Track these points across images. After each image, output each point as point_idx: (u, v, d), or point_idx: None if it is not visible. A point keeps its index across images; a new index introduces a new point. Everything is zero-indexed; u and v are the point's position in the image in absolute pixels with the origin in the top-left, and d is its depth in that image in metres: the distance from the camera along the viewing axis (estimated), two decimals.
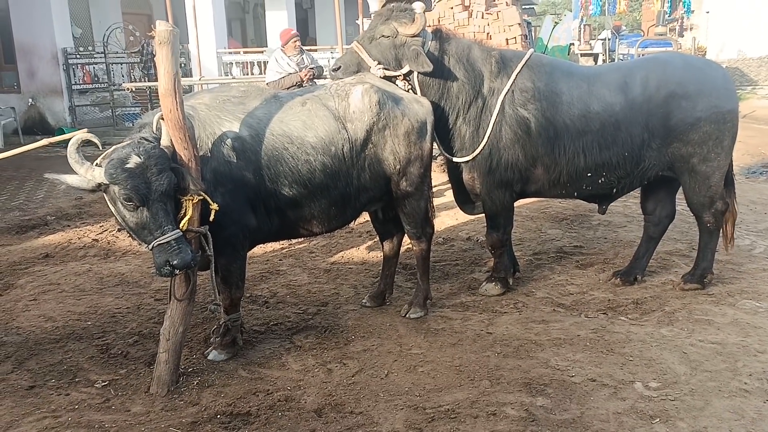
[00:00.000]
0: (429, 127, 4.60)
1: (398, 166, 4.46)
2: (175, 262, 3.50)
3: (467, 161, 4.88)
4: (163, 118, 3.63)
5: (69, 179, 3.54)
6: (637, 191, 5.37)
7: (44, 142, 4.35)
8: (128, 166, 3.46)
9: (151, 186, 3.48)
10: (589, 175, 4.91)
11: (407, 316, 4.76)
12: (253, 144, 4.02)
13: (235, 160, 3.95)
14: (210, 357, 4.21)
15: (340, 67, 4.84)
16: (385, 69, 4.72)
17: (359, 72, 4.75)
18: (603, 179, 4.95)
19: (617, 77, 4.88)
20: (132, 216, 3.55)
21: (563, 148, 4.81)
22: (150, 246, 3.55)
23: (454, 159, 4.93)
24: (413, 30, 4.67)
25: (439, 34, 4.87)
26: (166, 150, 3.62)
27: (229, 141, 3.95)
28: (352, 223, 4.80)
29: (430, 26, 4.94)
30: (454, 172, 5.08)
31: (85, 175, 3.52)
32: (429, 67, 4.63)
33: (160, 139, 3.68)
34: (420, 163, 4.54)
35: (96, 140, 3.71)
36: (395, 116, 4.41)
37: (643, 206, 5.41)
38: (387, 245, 5.05)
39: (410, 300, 4.91)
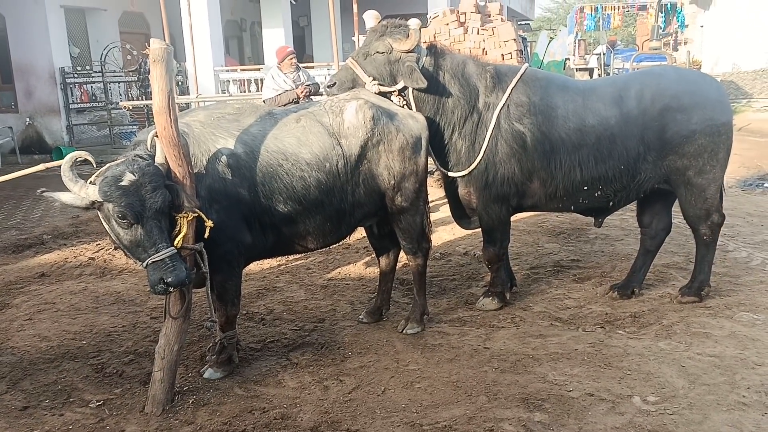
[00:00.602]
0: (424, 143, 4.60)
1: (393, 182, 4.46)
2: (169, 279, 3.49)
3: (463, 176, 4.88)
4: (157, 136, 3.64)
5: (63, 197, 3.54)
6: (633, 204, 5.37)
7: (41, 167, 4.34)
8: (122, 183, 3.46)
9: (146, 203, 3.47)
10: (585, 188, 4.91)
11: (404, 331, 4.74)
12: (248, 161, 4.02)
13: (230, 177, 3.95)
14: (206, 375, 4.18)
15: (335, 83, 4.84)
16: (380, 85, 4.73)
17: (354, 88, 4.76)
18: (599, 192, 4.95)
19: (612, 91, 4.90)
20: (126, 233, 3.54)
21: (559, 162, 4.82)
22: (144, 264, 3.54)
23: (450, 174, 4.93)
24: (407, 46, 4.68)
25: (433, 50, 4.89)
26: (160, 167, 3.62)
27: (224, 158, 3.95)
28: (348, 238, 4.79)
29: (425, 42, 4.97)
30: (450, 187, 5.08)
31: (79, 192, 3.51)
32: (423, 84, 4.64)
33: (154, 156, 3.69)
34: (415, 178, 4.54)
35: (91, 158, 3.71)
36: (389, 132, 4.42)
37: (639, 219, 5.41)
38: (383, 260, 5.04)
39: (407, 315, 4.89)
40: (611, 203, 5.07)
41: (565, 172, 4.84)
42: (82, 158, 3.64)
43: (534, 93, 4.83)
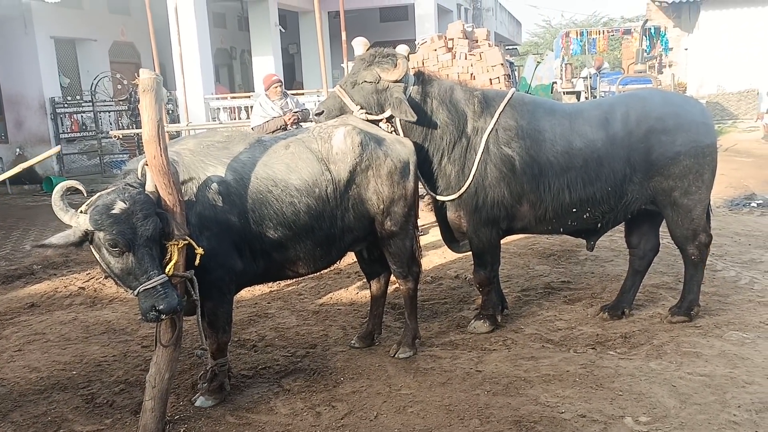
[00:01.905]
0: (412, 167, 4.64)
1: (382, 206, 4.49)
2: (161, 307, 3.49)
3: (453, 199, 4.92)
4: (147, 164, 3.66)
5: (54, 240, 3.55)
6: (622, 226, 5.42)
7: (44, 156, 4.36)
8: (114, 212, 3.47)
9: (137, 231, 3.48)
10: (574, 210, 4.96)
11: (396, 356, 4.74)
12: (237, 188, 4.05)
13: (220, 204, 3.97)
14: (197, 403, 4.16)
15: (323, 111, 4.88)
16: (368, 113, 4.77)
17: (342, 116, 4.79)
18: (588, 214, 5.00)
19: (598, 114, 4.96)
20: (117, 262, 3.54)
21: (548, 185, 4.86)
22: (135, 292, 3.54)
23: (440, 198, 4.96)
24: (395, 76, 4.72)
25: (421, 77, 4.94)
26: (151, 195, 3.64)
27: (213, 185, 3.97)
28: (339, 263, 4.80)
29: (413, 68, 5.02)
30: (440, 211, 5.11)
31: (70, 222, 3.52)
32: (413, 117, 4.66)
33: (145, 184, 3.71)
34: (404, 202, 4.57)
35: (81, 187, 3.73)
36: (378, 157, 4.46)
37: (627, 240, 5.45)
38: (374, 285, 5.05)
39: (399, 340, 4.89)
40: (600, 225, 5.11)
41: (554, 194, 4.88)
42: (73, 187, 3.65)
43: (522, 117, 4.89)
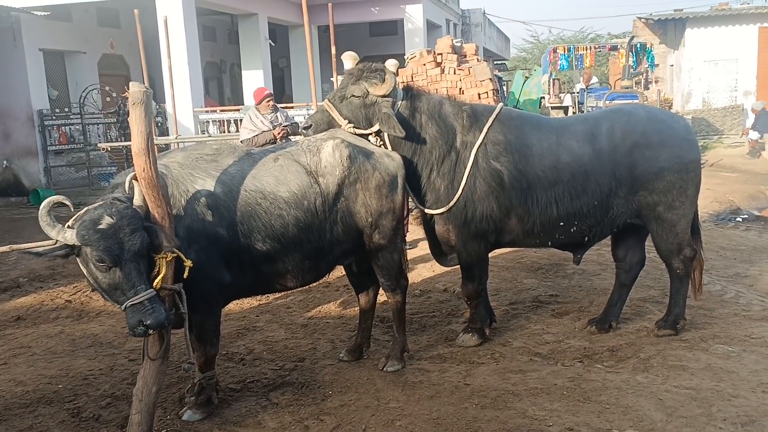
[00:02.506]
0: (400, 181, 4.67)
1: (370, 219, 4.50)
2: (148, 321, 3.46)
3: (442, 212, 4.93)
4: (136, 178, 3.66)
5: (39, 249, 3.52)
6: (607, 239, 5.46)
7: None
8: (100, 227, 3.45)
9: (124, 246, 3.47)
10: (561, 224, 5.00)
11: (385, 369, 4.74)
12: (226, 200, 4.05)
13: (208, 217, 3.97)
14: (184, 417, 4.13)
15: (311, 125, 4.90)
16: (356, 127, 4.79)
17: (330, 129, 4.81)
18: (575, 228, 5.04)
19: (584, 129, 5.02)
20: (104, 277, 3.52)
21: (536, 199, 4.90)
22: (123, 306, 3.52)
23: (429, 211, 4.97)
24: (383, 91, 4.75)
25: (410, 92, 4.98)
26: (138, 209, 3.64)
27: (202, 198, 3.98)
28: (327, 276, 4.81)
29: (402, 83, 5.05)
30: (429, 224, 5.13)
31: (57, 237, 3.50)
32: (401, 133, 4.68)
33: (132, 198, 3.70)
34: (392, 215, 4.59)
35: (68, 202, 3.69)
36: (366, 170, 4.48)
37: (614, 254, 5.50)
38: (363, 298, 5.06)
39: (387, 353, 4.89)
40: (586, 238, 5.16)
41: (542, 208, 4.92)
42: (60, 202, 3.63)
43: (510, 131, 4.93)
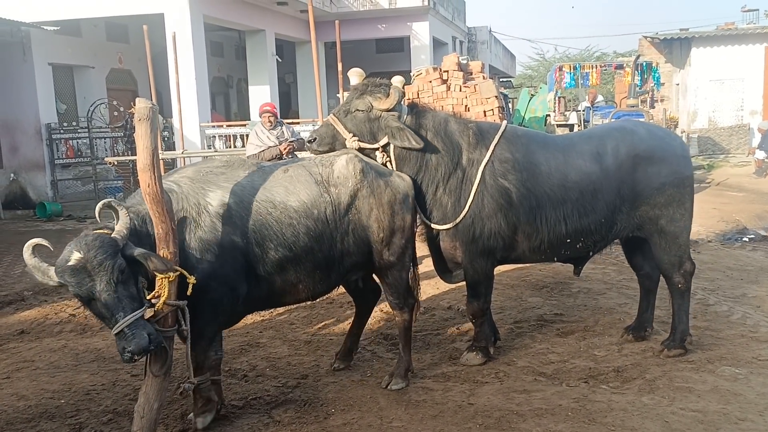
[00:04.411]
0: (411, 201, 4.73)
1: (382, 235, 4.53)
2: (130, 348, 3.45)
3: (449, 228, 4.93)
4: (108, 206, 3.66)
5: (35, 276, 3.61)
6: (615, 258, 5.45)
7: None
8: (70, 263, 3.47)
9: (95, 279, 3.46)
10: (568, 241, 5.04)
11: (389, 387, 4.71)
12: (238, 210, 4.10)
13: (221, 227, 4.00)
14: (199, 426, 4.17)
15: (315, 138, 4.92)
16: (360, 141, 4.82)
17: (334, 143, 4.86)
18: (581, 244, 5.11)
19: (590, 148, 5.07)
20: (89, 308, 3.59)
21: (545, 217, 4.94)
22: (113, 332, 3.53)
23: (436, 226, 4.97)
24: (387, 105, 4.79)
25: (415, 109, 5.00)
26: (116, 236, 3.57)
27: (213, 209, 4.01)
28: (336, 289, 4.83)
29: (408, 99, 5.08)
30: (434, 241, 5.13)
31: (43, 279, 3.55)
32: (419, 144, 4.72)
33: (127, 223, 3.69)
34: (402, 234, 4.63)
35: (45, 243, 3.67)
36: (379, 185, 4.54)
37: (631, 264, 5.68)
38: (361, 306, 5.20)
39: (391, 371, 4.87)
40: (590, 252, 5.30)
41: (551, 226, 4.96)
42: (39, 245, 3.63)
43: (517, 149, 4.96)
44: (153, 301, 3.69)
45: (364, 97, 4.85)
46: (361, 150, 4.81)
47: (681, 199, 5.08)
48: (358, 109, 4.84)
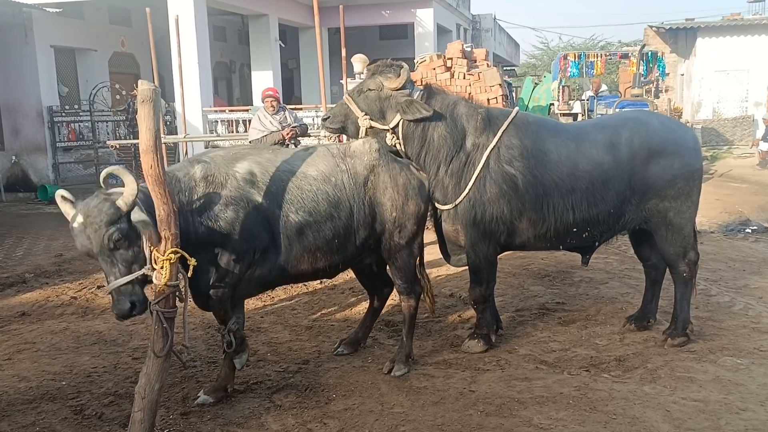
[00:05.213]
0: (426, 190, 4.86)
1: (395, 214, 4.63)
2: (114, 312, 3.72)
3: (448, 209, 4.97)
4: (114, 173, 3.79)
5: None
6: (617, 249, 5.44)
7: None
8: (74, 225, 3.67)
9: (93, 242, 3.63)
10: (575, 230, 5.03)
11: (392, 373, 4.72)
12: (262, 176, 4.32)
13: (245, 187, 4.22)
14: (199, 401, 4.31)
15: (329, 116, 5.13)
16: (371, 120, 4.94)
17: (346, 122, 5.04)
18: (587, 233, 5.09)
19: (603, 137, 5.04)
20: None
21: (552, 205, 4.92)
22: (106, 293, 3.78)
23: (437, 205, 5.03)
24: (396, 84, 4.90)
25: (428, 89, 5.06)
26: (118, 204, 3.65)
27: (240, 175, 4.25)
28: (350, 265, 4.91)
29: (424, 80, 5.16)
30: (440, 224, 5.17)
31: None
32: (428, 111, 4.82)
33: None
34: (415, 220, 4.76)
35: (69, 196, 3.81)
36: (394, 167, 4.74)
37: (638, 255, 5.66)
38: (376, 299, 5.24)
39: (393, 357, 4.87)
40: (597, 243, 5.28)
41: (559, 214, 4.94)
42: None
43: (526, 136, 4.94)
44: (154, 281, 3.71)
45: (375, 77, 4.99)
46: (371, 130, 4.95)
47: (689, 192, 5.08)
48: (369, 89, 4.98)
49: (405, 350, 4.84)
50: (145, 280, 3.76)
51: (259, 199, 4.25)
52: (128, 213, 3.65)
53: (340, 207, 4.49)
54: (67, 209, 3.74)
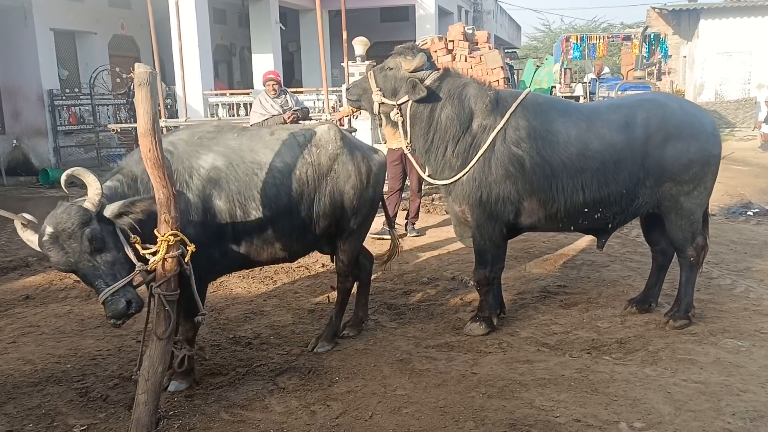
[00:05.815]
0: (382, 177, 5.03)
1: (355, 203, 4.73)
2: (108, 314, 3.56)
3: (445, 184, 5.10)
4: (75, 173, 3.66)
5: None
6: (618, 231, 5.44)
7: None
8: (44, 238, 3.52)
9: (68, 251, 3.50)
10: (586, 210, 5.02)
11: (314, 350, 4.86)
12: (227, 172, 4.24)
13: (210, 188, 4.15)
14: (171, 388, 4.26)
15: (350, 88, 5.50)
16: (383, 96, 5.10)
17: (363, 95, 5.27)
18: (599, 214, 5.08)
19: (618, 117, 5.01)
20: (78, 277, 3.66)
21: (561, 186, 4.91)
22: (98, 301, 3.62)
23: (436, 181, 5.18)
24: (410, 66, 5.01)
25: (444, 72, 5.13)
26: (85, 206, 3.56)
27: (204, 170, 4.18)
28: (311, 251, 5.00)
29: (443, 65, 5.35)
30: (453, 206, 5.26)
31: (36, 247, 3.62)
32: (423, 92, 4.92)
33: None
34: (371, 206, 4.92)
35: (32, 218, 3.77)
36: (357, 155, 4.79)
37: (647, 239, 5.65)
38: (358, 274, 5.25)
39: (318, 334, 5.03)
40: (610, 225, 5.24)
41: (569, 194, 4.94)
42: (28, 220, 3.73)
43: (534, 117, 4.94)
44: (149, 257, 3.66)
45: (396, 57, 5.14)
46: (381, 105, 5.14)
47: (704, 177, 5.01)
48: (389, 67, 5.14)
49: (332, 328, 5.00)
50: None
51: (221, 203, 4.18)
52: (98, 214, 3.58)
53: (302, 201, 4.52)
54: (29, 237, 3.64)
